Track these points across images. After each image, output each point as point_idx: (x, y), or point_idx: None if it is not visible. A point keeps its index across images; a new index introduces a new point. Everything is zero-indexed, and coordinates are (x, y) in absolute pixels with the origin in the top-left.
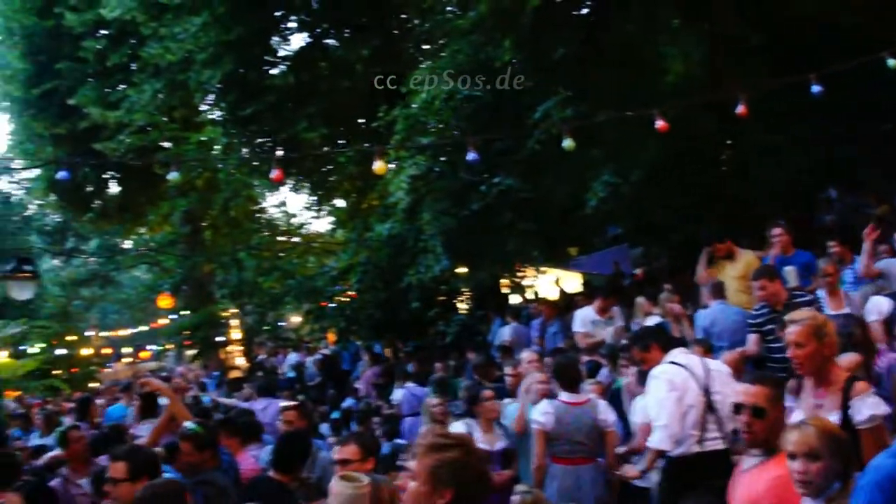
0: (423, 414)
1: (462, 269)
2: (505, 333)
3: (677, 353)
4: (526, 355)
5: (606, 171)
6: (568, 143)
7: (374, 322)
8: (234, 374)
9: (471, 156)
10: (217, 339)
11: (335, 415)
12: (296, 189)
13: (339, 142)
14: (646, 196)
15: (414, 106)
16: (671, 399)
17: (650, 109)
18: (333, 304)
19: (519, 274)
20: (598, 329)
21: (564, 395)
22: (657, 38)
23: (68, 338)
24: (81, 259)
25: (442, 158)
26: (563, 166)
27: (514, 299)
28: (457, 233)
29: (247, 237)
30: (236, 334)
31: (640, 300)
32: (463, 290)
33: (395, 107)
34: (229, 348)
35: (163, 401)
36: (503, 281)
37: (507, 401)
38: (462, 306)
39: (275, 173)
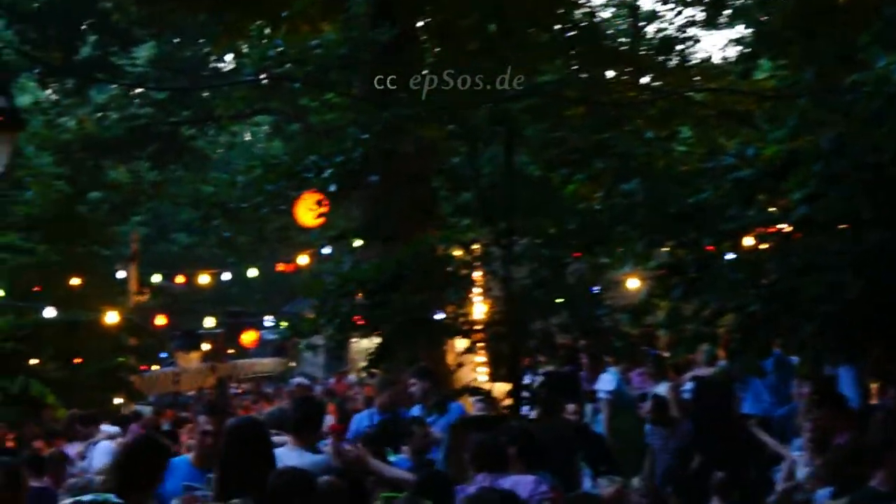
0: None
1: None
2: None
3: None
4: None
5: None
6: None
7: (844, 312)
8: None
9: None
10: (434, 316)
11: None
12: None
13: None
14: None
15: None
16: None
17: None
18: (733, 257)
19: None
20: None
21: None
22: None
23: (72, 281)
24: (113, 90)
25: None
26: None
27: None
28: None
29: (535, 60)
30: (480, 309)
31: None
32: None
33: None
34: (461, 343)
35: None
36: None
37: None
38: None
39: None
